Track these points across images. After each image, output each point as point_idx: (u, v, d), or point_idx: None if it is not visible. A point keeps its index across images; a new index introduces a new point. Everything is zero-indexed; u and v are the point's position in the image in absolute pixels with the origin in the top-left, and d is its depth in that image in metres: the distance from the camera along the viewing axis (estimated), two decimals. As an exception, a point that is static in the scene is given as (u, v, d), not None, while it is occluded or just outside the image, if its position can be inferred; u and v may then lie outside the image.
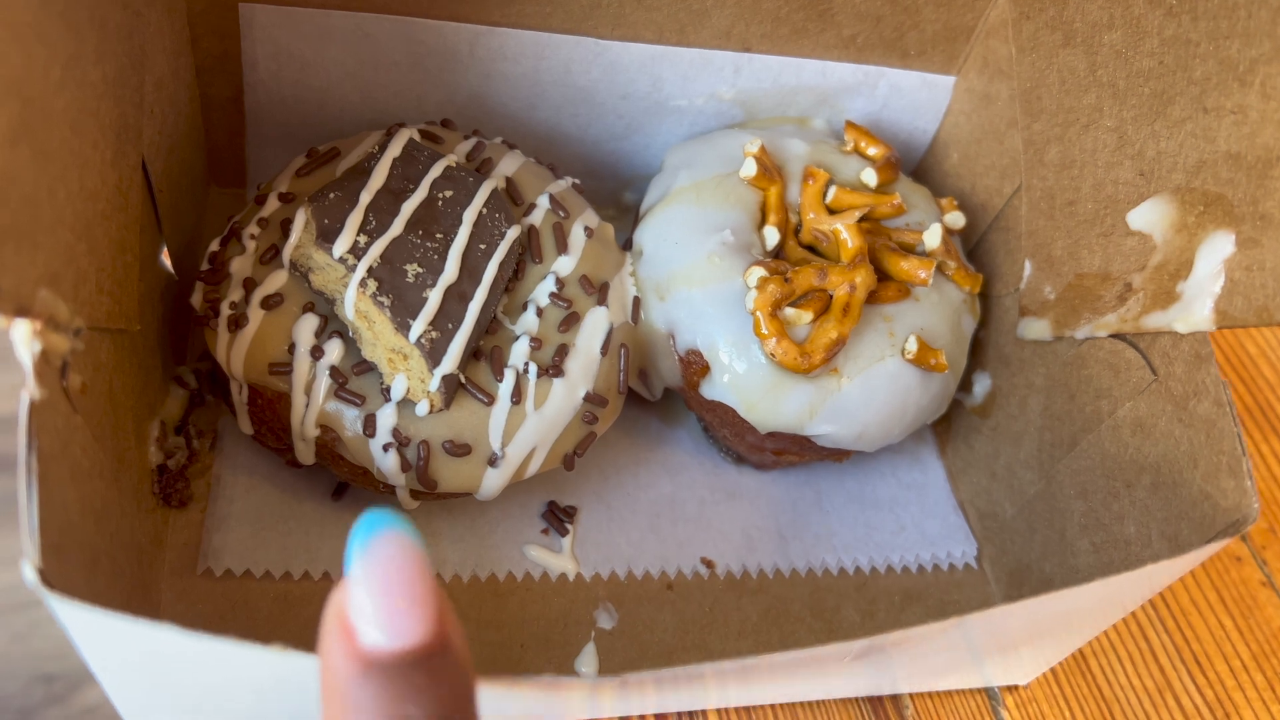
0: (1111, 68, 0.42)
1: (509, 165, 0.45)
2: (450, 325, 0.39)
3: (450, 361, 0.38)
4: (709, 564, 0.47)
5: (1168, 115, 0.39)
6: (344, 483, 0.44)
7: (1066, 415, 0.46)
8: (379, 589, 0.19)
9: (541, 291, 0.43)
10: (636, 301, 0.46)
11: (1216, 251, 0.37)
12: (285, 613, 0.42)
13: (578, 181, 0.48)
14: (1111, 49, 0.42)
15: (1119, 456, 0.42)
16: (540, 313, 0.42)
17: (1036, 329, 0.47)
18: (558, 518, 0.46)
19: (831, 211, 0.49)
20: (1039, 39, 0.46)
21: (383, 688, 0.19)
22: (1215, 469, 0.37)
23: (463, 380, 0.39)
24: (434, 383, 0.38)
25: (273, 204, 0.42)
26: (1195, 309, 0.38)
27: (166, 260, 0.45)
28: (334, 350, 0.39)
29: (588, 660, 0.43)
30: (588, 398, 0.42)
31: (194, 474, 0.44)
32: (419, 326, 0.38)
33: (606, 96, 0.50)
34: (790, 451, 0.47)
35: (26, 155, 0.29)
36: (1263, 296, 0.35)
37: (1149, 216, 0.40)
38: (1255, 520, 0.35)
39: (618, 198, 0.56)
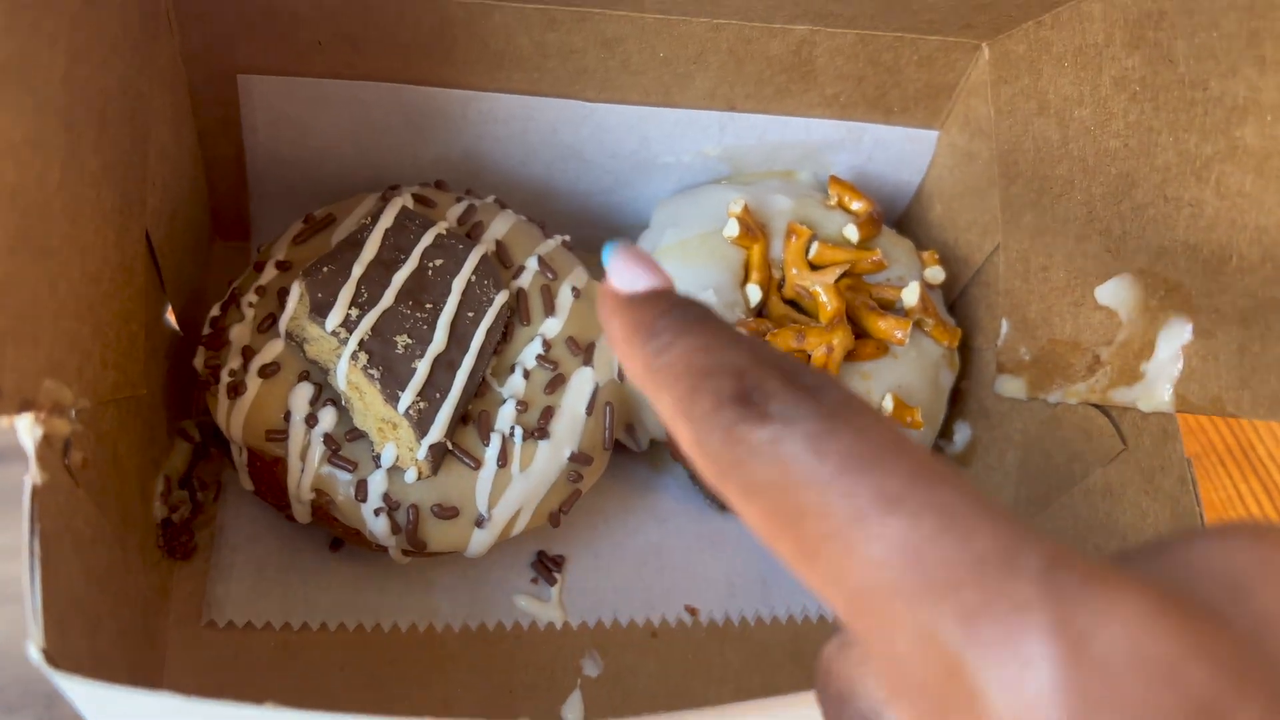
0: (1082, 143, 0.43)
1: (499, 227, 0.47)
2: (438, 395, 0.41)
3: (437, 431, 0.40)
4: (693, 611, 0.49)
5: (1132, 197, 0.41)
6: (340, 536, 0.46)
7: (1041, 473, 0.47)
8: (625, 263, 0.25)
9: (529, 354, 0.44)
10: (622, 359, 0.47)
11: (1176, 337, 0.38)
12: (287, 661, 0.44)
13: (567, 239, 0.49)
14: (1081, 124, 0.43)
15: (1090, 520, 0.43)
16: (527, 375, 0.44)
17: (1013, 387, 0.48)
18: (546, 567, 0.48)
19: (814, 267, 0.50)
20: (1015, 105, 0.47)
21: (647, 297, 0.24)
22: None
23: (449, 447, 0.41)
24: (421, 451, 0.40)
25: (270, 272, 0.44)
26: (1157, 390, 0.39)
27: (171, 319, 0.47)
28: (327, 418, 0.41)
29: (574, 707, 0.45)
30: (573, 457, 0.44)
31: (198, 525, 0.46)
32: (407, 398, 0.40)
33: (595, 154, 0.51)
34: (771, 503, 0.48)
35: (26, 259, 0.31)
36: (1217, 387, 0.37)
37: (1116, 294, 0.42)
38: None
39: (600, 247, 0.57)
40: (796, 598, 0.50)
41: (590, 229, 0.56)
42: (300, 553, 0.46)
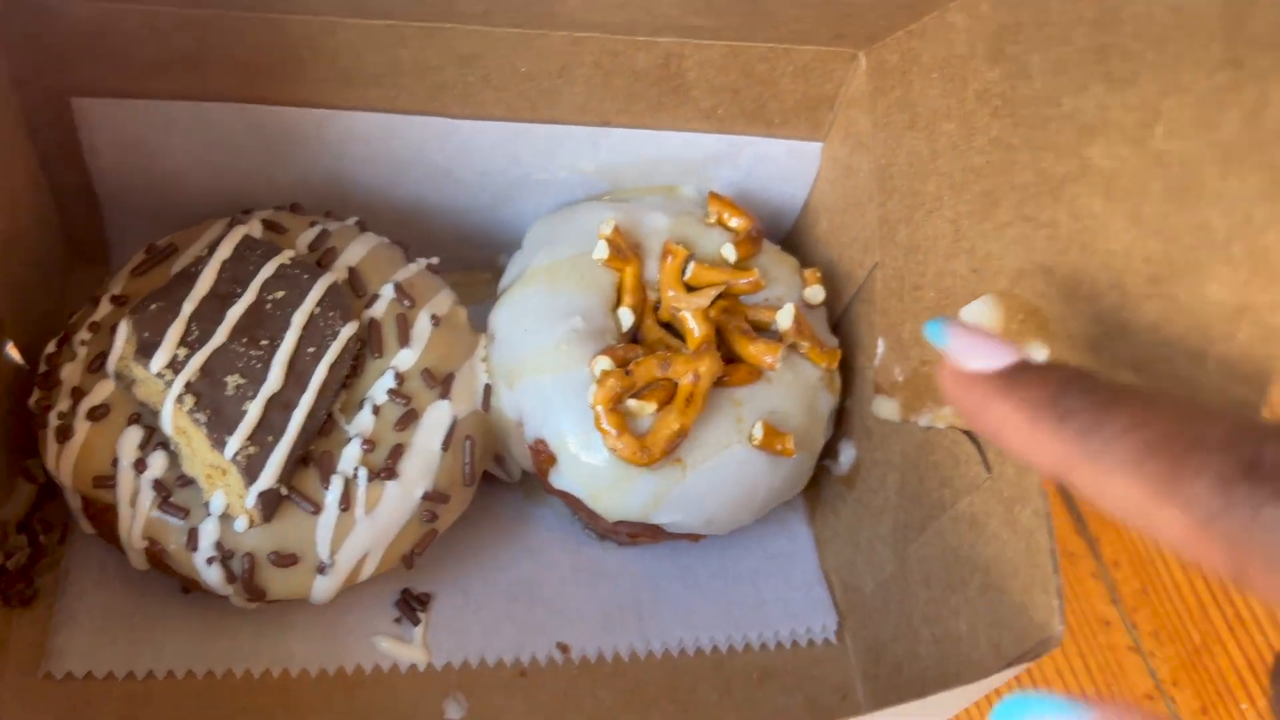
0: (949, 158, 0.41)
1: (354, 253, 0.45)
2: (270, 438, 0.39)
3: (268, 477, 0.38)
4: (564, 648, 0.47)
5: (994, 216, 0.39)
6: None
7: (916, 498, 0.45)
8: (977, 340, 0.26)
9: (380, 388, 0.42)
10: (488, 389, 0.45)
11: (1033, 363, 0.37)
12: (131, 713, 0.42)
13: (434, 261, 0.47)
14: (948, 140, 0.41)
15: (957, 550, 0.42)
16: (377, 411, 0.42)
17: (887, 409, 0.46)
18: (410, 606, 0.46)
19: (690, 288, 0.48)
20: (890, 117, 0.45)
21: (1029, 375, 0.25)
22: (1031, 583, 0.37)
23: (284, 493, 0.39)
24: (250, 499, 0.38)
25: (105, 307, 0.42)
26: (1016, 416, 0.38)
27: (13, 353, 0.44)
28: (157, 463, 0.39)
29: (435, 753, 0.44)
30: (427, 496, 0.42)
31: (41, 570, 0.44)
32: (235, 443, 0.38)
33: (465, 173, 0.49)
34: (643, 535, 0.47)
35: None
36: (1070, 414, 0.35)
37: (980, 316, 0.40)
38: (1058, 644, 0.35)
39: (494, 261, 0.55)
40: (674, 631, 0.48)
41: (474, 247, 0.54)
42: (149, 596, 0.44)
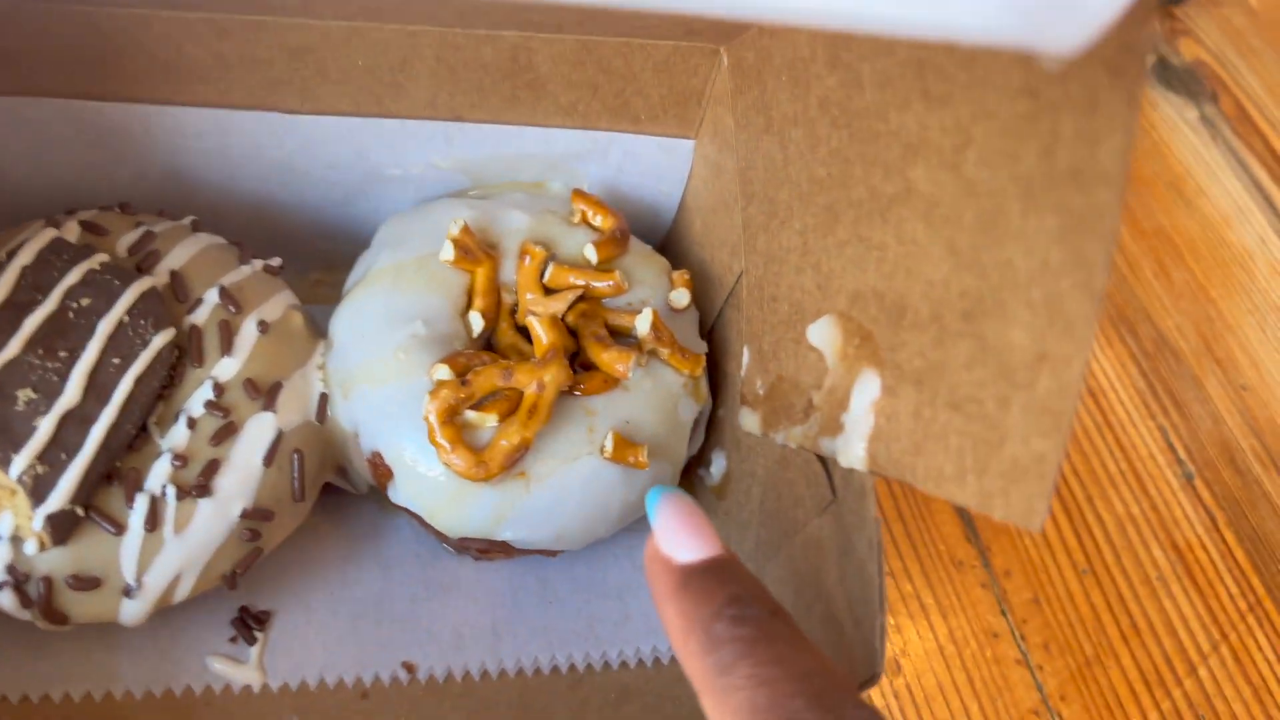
0: (797, 167, 0.39)
1: (179, 256, 0.42)
2: (63, 456, 0.37)
3: (59, 498, 0.36)
4: (410, 668, 0.45)
5: (835, 233, 0.37)
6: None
7: (774, 516, 0.43)
8: (675, 527, 0.28)
9: (196, 400, 0.40)
10: (324, 398, 0.43)
11: (867, 391, 0.35)
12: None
13: (273, 263, 0.45)
14: (797, 147, 0.39)
15: (804, 576, 0.40)
16: (193, 424, 0.40)
17: (750, 421, 0.44)
18: (246, 625, 0.44)
19: (549, 291, 0.46)
20: (749, 119, 0.43)
21: (702, 584, 0.27)
22: (861, 618, 0.35)
23: (82, 513, 0.37)
24: (37, 521, 0.36)
25: (-97, 314, 0.40)
26: (852, 445, 0.36)
27: None
28: (-55, 483, 0.37)
29: (263, 779, 0.42)
30: (246, 514, 0.40)
31: None
32: (22, 461, 0.36)
33: (310, 167, 0.47)
34: (494, 551, 0.45)
35: None
36: (898, 451, 0.33)
37: (822, 335, 0.38)
38: (877, 681, 0.33)
39: (355, 259, 0.53)
40: (528, 648, 0.47)
41: (328, 242, 0.51)
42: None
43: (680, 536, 0.28)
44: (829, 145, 0.37)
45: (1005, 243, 0.28)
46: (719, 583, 0.26)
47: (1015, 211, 0.27)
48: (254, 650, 0.44)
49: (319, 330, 0.45)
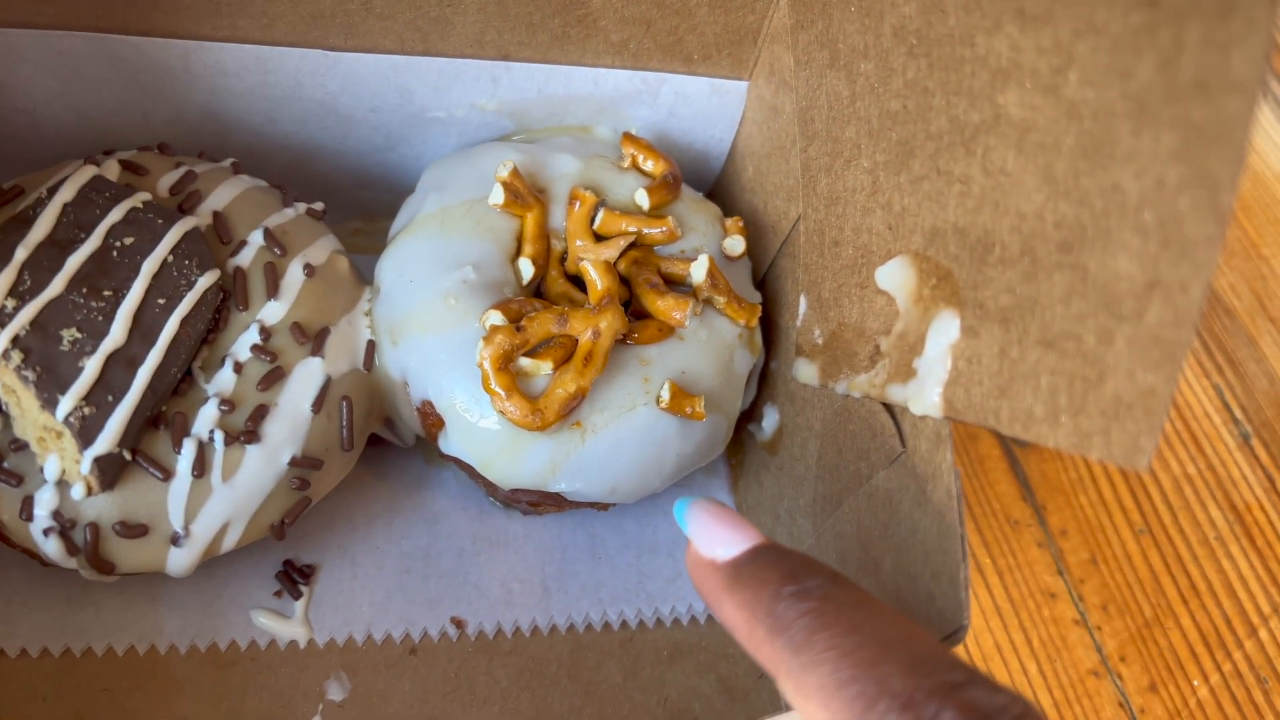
0: (867, 101, 0.37)
1: (222, 197, 0.41)
2: (110, 398, 0.35)
3: (107, 440, 0.35)
4: (459, 624, 0.44)
5: (910, 169, 0.35)
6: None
7: (835, 469, 0.42)
8: (711, 527, 0.28)
9: (243, 344, 0.39)
10: (371, 346, 0.42)
11: (944, 334, 0.33)
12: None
13: (316, 207, 0.43)
14: (866, 81, 0.37)
15: (871, 529, 0.39)
16: (239, 369, 0.38)
17: (807, 373, 0.43)
18: (291, 579, 0.43)
19: (599, 238, 0.44)
20: (812, 55, 0.41)
21: (752, 572, 0.26)
22: (940, 569, 0.33)
23: (130, 457, 0.36)
24: (85, 465, 0.35)
25: (-61, 254, 0.38)
26: (926, 391, 0.34)
27: None
28: (-12, 426, 0.36)
29: (310, 735, 0.41)
30: (295, 462, 0.39)
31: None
32: (69, 402, 0.35)
33: (353, 109, 0.45)
34: (546, 503, 0.44)
35: None
36: (980, 394, 0.32)
37: (894, 277, 0.36)
38: (964, 637, 0.32)
39: (395, 208, 0.51)
40: (579, 604, 0.45)
41: (368, 191, 0.50)
42: (6, 568, 0.41)
43: (719, 535, 0.27)
44: (904, 77, 0.35)
45: (1111, 166, 0.26)
46: (770, 564, 0.26)
47: (1125, 131, 0.26)
48: (299, 605, 0.43)
49: (364, 277, 0.44)
